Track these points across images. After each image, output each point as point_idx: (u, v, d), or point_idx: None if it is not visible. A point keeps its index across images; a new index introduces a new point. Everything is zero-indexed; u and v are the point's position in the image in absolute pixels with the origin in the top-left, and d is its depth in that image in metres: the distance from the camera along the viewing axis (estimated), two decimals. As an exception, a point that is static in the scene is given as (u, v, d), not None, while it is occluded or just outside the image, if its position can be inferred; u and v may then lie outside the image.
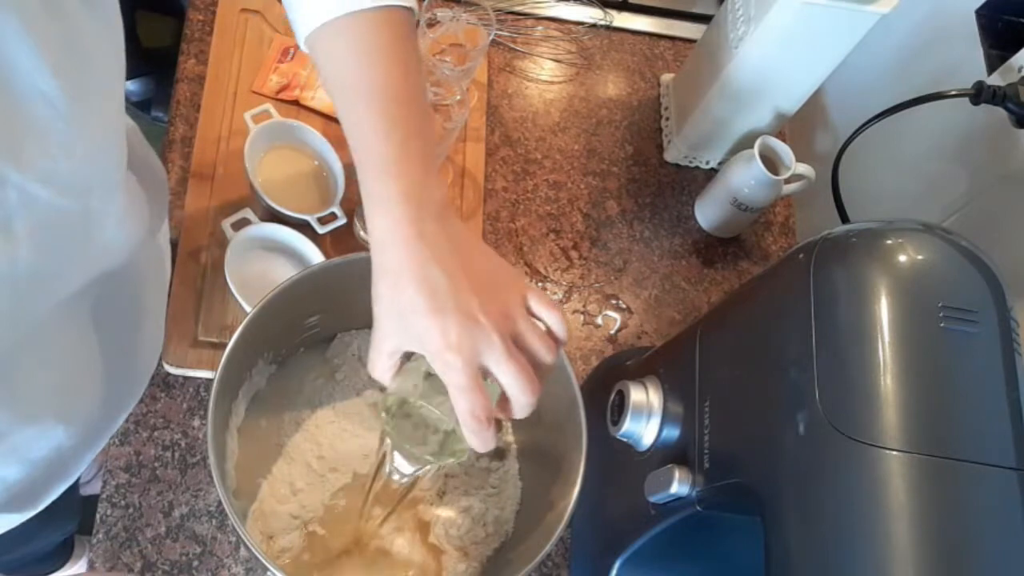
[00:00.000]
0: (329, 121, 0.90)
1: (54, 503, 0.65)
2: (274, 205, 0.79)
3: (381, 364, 0.51)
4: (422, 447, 0.55)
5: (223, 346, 0.61)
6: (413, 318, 0.48)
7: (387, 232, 0.49)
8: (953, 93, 0.73)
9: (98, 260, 0.51)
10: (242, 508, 0.66)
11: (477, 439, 0.49)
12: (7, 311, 0.44)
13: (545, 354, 0.52)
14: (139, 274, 0.63)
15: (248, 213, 0.79)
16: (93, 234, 0.48)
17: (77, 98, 0.39)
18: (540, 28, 1.05)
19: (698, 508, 0.57)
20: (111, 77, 0.45)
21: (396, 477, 0.58)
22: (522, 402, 0.50)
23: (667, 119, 1.03)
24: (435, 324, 0.47)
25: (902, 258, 0.49)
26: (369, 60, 0.50)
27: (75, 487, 1.07)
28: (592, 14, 1.06)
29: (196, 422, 0.76)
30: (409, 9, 0.52)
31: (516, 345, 0.50)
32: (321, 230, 0.80)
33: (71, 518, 1.08)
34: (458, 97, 0.83)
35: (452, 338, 0.47)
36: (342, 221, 0.82)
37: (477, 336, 0.48)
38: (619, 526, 0.68)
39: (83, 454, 0.64)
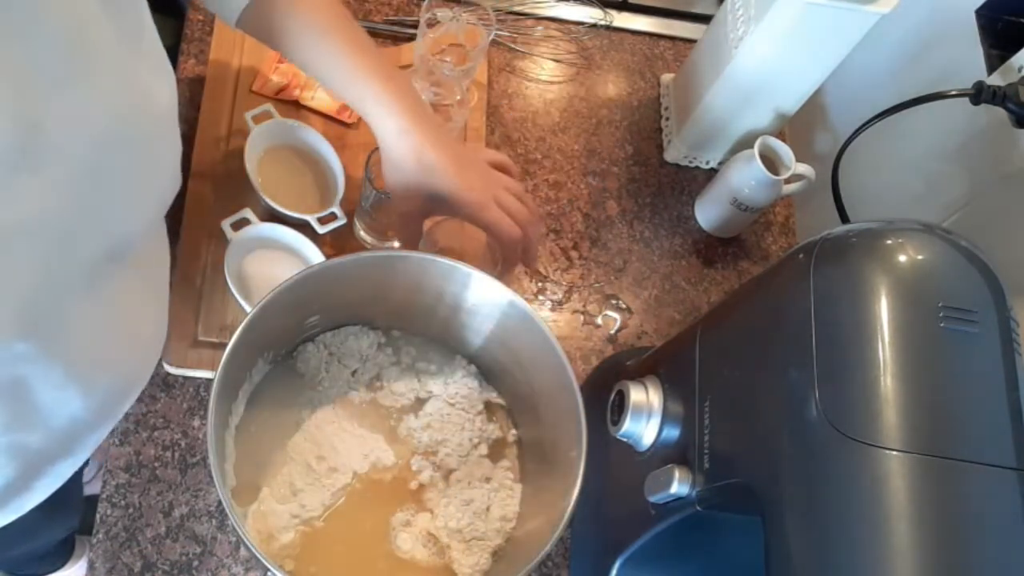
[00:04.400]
0: (329, 121, 0.90)
1: (59, 495, 0.66)
2: (274, 205, 0.79)
3: (408, 230, 0.72)
4: None
5: (223, 346, 0.61)
6: (439, 175, 0.65)
7: (401, 127, 0.65)
8: (953, 93, 0.73)
9: (126, 219, 0.53)
10: (242, 508, 0.66)
11: (511, 244, 0.69)
12: (40, 259, 0.45)
13: (526, 217, 0.70)
14: (147, 251, 0.65)
15: (248, 213, 0.79)
16: (124, 188, 0.50)
17: (107, 53, 0.43)
18: (540, 28, 1.05)
19: (698, 508, 0.57)
20: (138, 42, 0.49)
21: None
22: (532, 233, 0.70)
23: (667, 119, 1.03)
24: (459, 175, 0.66)
25: (902, 258, 0.49)
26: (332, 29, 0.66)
27: (79, 479, 1.08)
28: (592, 14, 1.06)
29: (196, 422, 0.76)
30: None
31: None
32: (321, 230, 0.80)
33: (74, 513, 1.08)
34: (458, 97, 0.83)
35: (475, 183, 0.67)
36: (342, 221, 0.82)
37: (490, 182, 0.69)
38: (619, 526, 0.68)
39: (92, 434, 0.64)
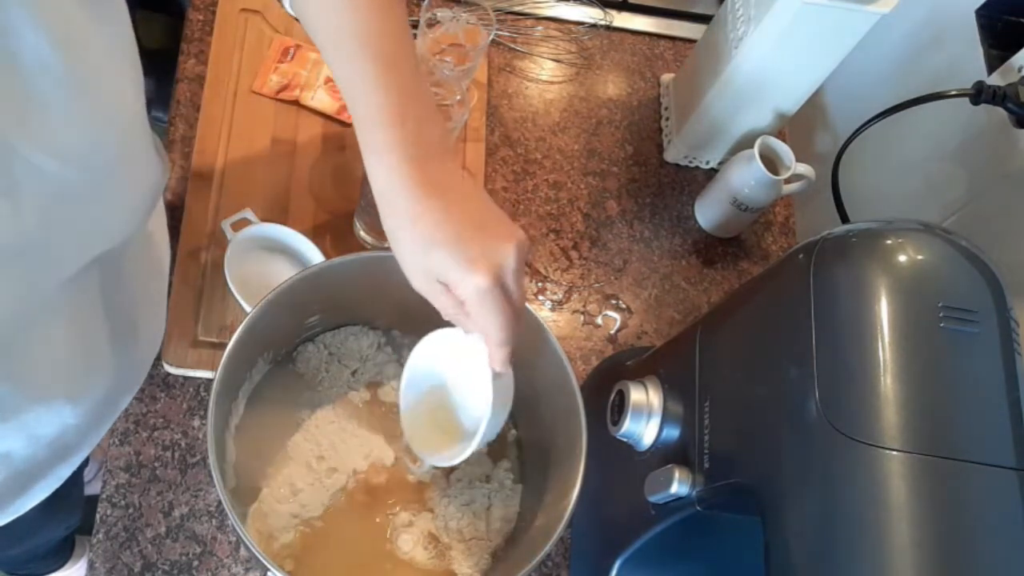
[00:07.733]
0: (329, 121, 0.90)
1: (58, 494, 0.66)
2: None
3: (432, 296, 0.54)
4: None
5: (223, 346, 0.61)
6: (435, 251, 0.50)
7: (388, 181, 0.51)
8: (953, 93, 0.73)
9: (104, 234, 0.52)
10: (242, 508, 0.66)
11: (500, 352, 0.54)
12: (17, 284, 0.45)
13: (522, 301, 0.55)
14: (138, 256, 0.64)
15: (248, 213, 0.79)
16: (99, 206, 0.49)
17: (77, 72, 0.40)
18: (540, 28, 1.05)
19: (698, 508, 0.57)
20: (112, 55, 0.45)
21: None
22: (511, 332, 0.54)
23: (667, 119, 1.03)
24: (456, 250, 0.50)
25: (902, 258, 0.49)
26: (357, 8, 0.51)
27: (80, 479, 1.08)
28: (592, 14, 1.06)
29: (196, 422, 0.76)
30: None
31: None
32: None
33: (74, 511, 1.08)
34: (458, 97, 0.83)
35: (474, 255, 0.50)
36: None
37: (497, 251, 0.51)
38: (619, 526, 0.68)
39: (87, 437, 0.64)
